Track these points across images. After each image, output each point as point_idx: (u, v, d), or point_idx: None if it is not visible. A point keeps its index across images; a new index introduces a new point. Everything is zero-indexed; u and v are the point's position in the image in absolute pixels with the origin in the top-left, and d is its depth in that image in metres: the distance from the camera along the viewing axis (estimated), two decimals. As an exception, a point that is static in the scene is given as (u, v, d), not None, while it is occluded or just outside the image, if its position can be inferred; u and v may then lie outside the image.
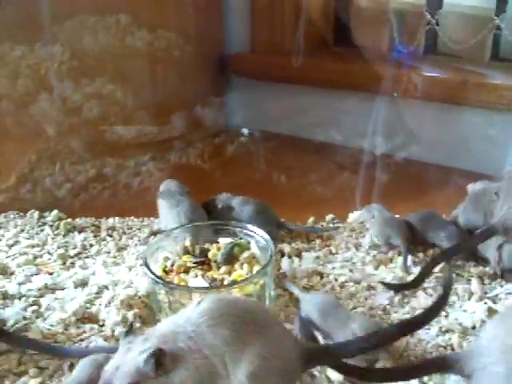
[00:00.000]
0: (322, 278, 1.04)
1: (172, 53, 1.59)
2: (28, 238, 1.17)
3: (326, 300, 0.90)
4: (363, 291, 1.00)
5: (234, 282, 0.91)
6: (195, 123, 1.64)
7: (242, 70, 1.73)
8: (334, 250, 1.12)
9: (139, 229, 1.20)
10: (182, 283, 0.92)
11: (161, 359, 0.65)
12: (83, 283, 1.03)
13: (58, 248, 1.14)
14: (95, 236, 1.18)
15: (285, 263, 1.06)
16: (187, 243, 1.01)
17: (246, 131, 1.66)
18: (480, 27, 1.48)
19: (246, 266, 0.96)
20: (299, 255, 1.10)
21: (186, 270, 0.96)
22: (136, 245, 1.14)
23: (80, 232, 1.19)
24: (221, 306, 0.69)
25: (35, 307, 0.97)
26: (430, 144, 1.49)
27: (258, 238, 0.99)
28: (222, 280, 0.92)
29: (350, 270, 1.06)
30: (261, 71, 1.70)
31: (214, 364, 0.65)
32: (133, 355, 0.66)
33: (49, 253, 1.13)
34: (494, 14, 1.45)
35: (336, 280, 1.03)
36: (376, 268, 1.07)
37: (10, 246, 1.15)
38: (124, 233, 1.19)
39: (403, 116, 1.51)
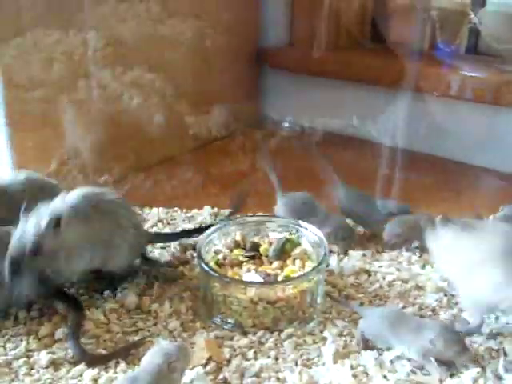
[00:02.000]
0: (369, 276, 1.04)
1: (207, 43, 1.58)
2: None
3: (392, 312, 0.88)
4: (412, 291, 1.00)
5: (289, 278, 0.91)
6: (232, 115, 1.64)
7: (278, 63, 1.72)
8: (380, 249, 1.12)
9: (183, 220, 1.20)
10: (236, 277, 0.92)
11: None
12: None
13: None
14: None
15: (333, 260, 1.06)
16: (238, 237, 1.01)
17: (286, 124, 1.66)
18: (523, 28, 1.48)
19: (298, 261, 0.96)
20: (346, 252, 1.10)
21: (239, 264, 0.96)
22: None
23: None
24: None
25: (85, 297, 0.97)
26: (470, 145, 1.48)
27: (309, 234, 0.99)
28: (276, 275, 0.93)
29: (398, 269, 1.06)
30: (297, 64, 1.69)
31: None
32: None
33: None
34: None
35: (384, 278, 1.03)
36: (422, 267, 1.07)
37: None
38: (168, 223, 1.19)
39: (442, 115, 1.50)
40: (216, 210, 1.24)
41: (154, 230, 1.18)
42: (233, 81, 1.68)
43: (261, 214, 1.16)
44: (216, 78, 1.62)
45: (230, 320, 0.91)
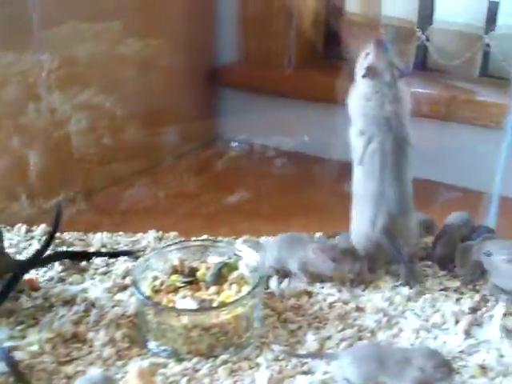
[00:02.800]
0: (310, 297, 1.04)
1: (162, 62, 1.58)
2: (16, 253, 1.16)
3: (374, 348, 0.87)
4: (352, 312, 1.00)
5: (223, 304, 0.91)
6: (184, 135, 1.63)
7: (231, 81, 1.73)
8: (322, 269, 1.12)
9: (127, 245, 1.19)
10: (171, 304, 0.92)
11: None
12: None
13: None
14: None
15: (273, 282, 1.06)
16: (176, 262, 1.00)
17: (235, 144, 1.66)
18: (470, 44, 1.49)
19: (234, 286, 0.95)
20: (287, 274, 1.10)
21: (175, 290, 0.95)
22: (125, 261, 1.13)
23: (68, 247, 1.18)
24: None
25: (23, 326, 0.96)
26: (418, 160, 1.49)
27: (247, 257, 0.99)
28: (211, 301, 0.92)
29: (339, 291, 1.06)
30: (251, 83, 1.70)
31: None
32: None
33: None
34: (484, 31, 1.46)
35: (325, 300, 1.03)
36: (364, 289, 1.07)
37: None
38: (112, 248, 1.18)
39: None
40: (160, 233, 1.22)
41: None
42: (186, 100, 1.68)
43: (205, 237, 1.15)
44: (169, 98, 1.62)
45: (165, 347, 0.90)
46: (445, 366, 0.83)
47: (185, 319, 0.88)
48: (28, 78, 1.31)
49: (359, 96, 1.05)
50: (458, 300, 1.03)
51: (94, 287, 1.05)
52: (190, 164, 1.54)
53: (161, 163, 1.55)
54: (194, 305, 0.91)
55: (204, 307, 0.90)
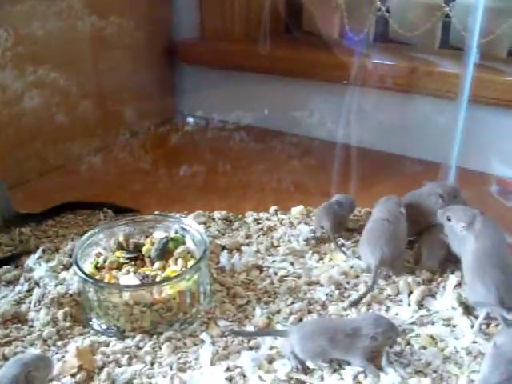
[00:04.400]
0: (261, 271, 1.02)
1: (120, 39, 1.55)
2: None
3: (322, 323, 0.85)
4: (303, 286, 0.98)
5: (165, 279, 0.88)
6: (144, 111, 1.60)
7: (190, 57, 1.69)
8: (275, 243, 1.09)
9: (77, 222, 1.16)
10: (113, 281, 0.89)
11: None
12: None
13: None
14: (31, 230, 1.14)
15: (224, 257, 1.03)
16: (121, 238, 0.97)
17: (191, 119, 1.63)
18: (430, 15, 1.47)
19: (180, 261, 0.93)
20: (239, 249, 1.07)
21: (119, 267, 0.93)
22: (72, 239, 1.10)
23: (17, 226, 1.15)
24: None
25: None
26: (380, 131, 1.47)
27: (193, 232, 0.96)
28: (155, 276, 0.90)
29: (291, 264, 1.03)
30: (210, 58, 1.66)
31: None
32: None
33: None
34: (444, 1, 1.43)
35: (276, 274, 1.01)
36: (318, 261, 1.05)
37: None
38: (61, 227, 1.15)
39: (352, 104, 1.49)
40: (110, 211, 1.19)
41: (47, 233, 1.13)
42: (145, 77, 1.64)
43: (155, 213, 1.13)
44: (128, 75, 1.58)
45: (108, 325, 0.87)
46: (392, 330, 0.81)
47: (126, 295, 0.85)
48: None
49: None
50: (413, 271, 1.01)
51: (39, 266, 1.02)
52: (146, 140, 1.51)
53: (117, 141, 1.52)
54: (136, 281, 0.88)
55: (145, 283, 0.87)
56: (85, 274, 0.87)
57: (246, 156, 1.39)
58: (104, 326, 0.88)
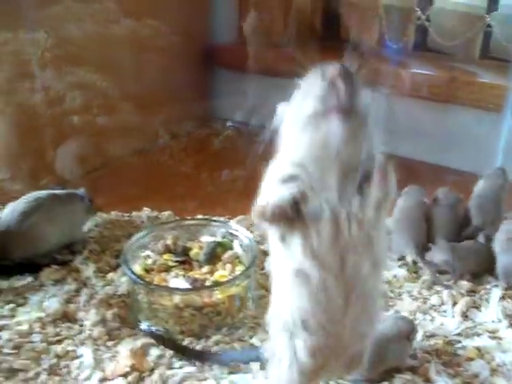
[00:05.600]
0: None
1: (157, 42, 1.55)
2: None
3: None
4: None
5: (216, 284, 0.89)
6: (180, 115, 1.61)
7: (227, 61, 1.70)
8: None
9: (121, 224, 1.17)
10: (163, 283, 0.90)
11: None
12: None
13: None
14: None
15: (268, 263, 1.04)
16: (168, 241, 0.98)
17: (230, 124, 1.64)
18: (471, 25, 1.47)
19: (228, 266, 0.93)
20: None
21: (167, 270, 0.94)
22: (118, 240, 1.11)
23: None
24: None
25: (12, 305, 0.94)
26: (417, 141, 1.47)
27: (241, 237, 0.97)
28: (204, 280, 0.90)
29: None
30: (246, 63, 1.67)
31: None
32: None
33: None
34: (485, 12, 1.43)
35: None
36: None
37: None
38: (105, 228, 1.16)
39: (389, 112, 1.48)
40: (155, 212, 1.20)
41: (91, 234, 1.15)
42: (182, 81, 1.65)
43: (198, 217, 1.14)
44: (165, 78, 1.59)
45: (157, 327, 0.88)
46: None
47: (176, 298, 0.86)
48: (22, 57, 1.28)
49: None
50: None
51: (86, 267, 1.03)
52: (185, 144, 1.51)
53: (156, 143, 1.53)
54: (186, 284, 0.89)
55: (196, 286, 0.88)
56: (135, 275, 0.88)
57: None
58: (152, 328, 0.88)
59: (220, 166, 1.34)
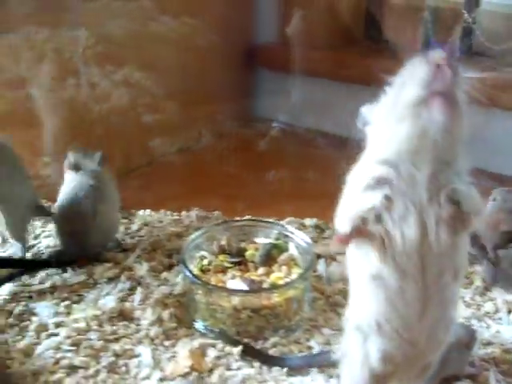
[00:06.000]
0: (358, 282, 1.02)
1: (200, 41, 1.55)
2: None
3: None
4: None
5: (275, 286, 0.89)
6: (222, 114, 1.61)
7: (271, 62, 1.70)
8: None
9: (170, 223, 1.18)
10: (220, 284, 0.90)
11: None
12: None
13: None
14: (126, 229, 1.16)
15: (321, 265, 1.04)
16: (223, 242, 0.98)
17: (275, 124, 1.63)
18: (518, 27, 1.45)
19: (284, 268, 0.93)
20: (334, 258, 1.07)
21: (223, 270, 0.94)
22: (169, 240, 1.11)
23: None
24: None
25: (67, 302, 0.95)
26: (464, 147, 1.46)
27: (297, 239, 0.96)
28: (261, 282, 0.90)
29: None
30: (290, 63, 1.67)
31: None
32: None
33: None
34: (534, 14, 1.42)
35: (373, 285, 1.01)
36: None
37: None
38: (154, 227, 1.17)
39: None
40: (204, 212, 1.20)
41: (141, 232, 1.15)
42: (224, 80, 1.65)
43: (248, 217, 1.14)
44: (206, 77, 1.59)
45: (213, 328, 0.88)
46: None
47: (235, 300, 0.86)
48: (65, 54, 1.29)
49: None
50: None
51: (140, 265, 1.03)
52: (229, 143, 1.51)
53: (199, 142, 1.53)
54: (244, 286, 0.89)
55: (255, 288, 0.88)
56: (194, 276, 0.88)
57: (328, 163, 1.39)
58: (208, 329, 0.88)
59: (265, 166, 1.34)
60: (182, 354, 0.83)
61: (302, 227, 1.16)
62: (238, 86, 1.70)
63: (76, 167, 1.05)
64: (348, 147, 1.51)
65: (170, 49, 1.50)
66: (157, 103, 1.47)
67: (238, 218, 1.13)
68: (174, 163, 1.42)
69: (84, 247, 1.02)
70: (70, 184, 1.04)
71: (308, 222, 1.17)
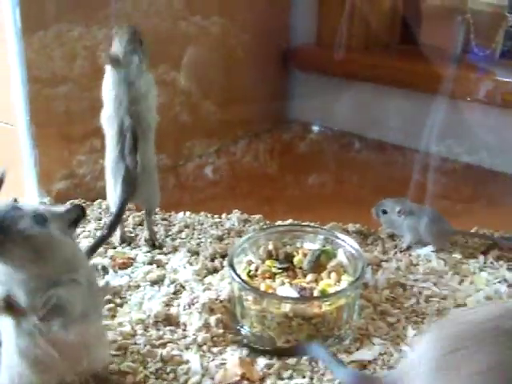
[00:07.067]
0: (404, 290, 1.00)
1: (234, 42, 1.54)
2: (96, 229, 1.14)
3: None
4: (451, 308, 0.96)
5: (326, 294, 0.87)
6: (257, 115, 1.60)
7: (306, 64, 1.68)
8: (414, 261, 1.07)
9: (211, 226, 1.16)
10: (270, 290, 0.88)
11: None
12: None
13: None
14: (166, 231, 1.14)
15: (367, 273, 1.02)
16: (270, 247, 0.97)
17: (315, 127, 1.62)
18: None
19: (333, 274, 0.92)
20: (379, 265, 1.06)
21: (271, 276, 0.92)
22: (211, 243, 1.10)
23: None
24: None
25: (111, 305, 0.94)
26: (500, 152, 1.44)
27: (346, 246, 0.95)
28: (312, 289, 0.89)
29: (434, 284, 1.01)
30: (325, 66, 1.65)
31: None
32: None
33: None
34: None
35: (420, 293, 0.99)
36: (460, 283, 1.02)
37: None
38: (194, 229, 1.15)
39: (473, 121, 1.46)
40: (245, 215, 1.19)
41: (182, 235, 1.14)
42: (259, 81, 1.64)
43: (290, 221, 1.12)
44: (242, 78, 1.58)
45: (262, 335, 0.86)
46: None
47: (286, 307, 0.84)
48: (96, 52, 1.27)
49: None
50: None
51: (184, 269, 1.02)
52: (265, 145, 1.50)
53: (235, 143, 1.51)
54: (294, 293, 0.87)
55: (306, 295, 0.87)
56: (244, 281, 0.87)
57: (367, 167, 1.37)
58: (256, 335, 0.87)
59: (304, 169, 1.32)
60: (232, 362, 0.82)
61: (346, 233, 1.14)
62: (274, 88, 1.68)
63: None
64: (384, 152, 1.49)
65: (204, 49, 1.48)
66: (192, 103, 1.45)
67: (281, 223, 1.11)
68: (210, 164, 1.40)
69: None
70: None
71: (351, 227, 1.16)
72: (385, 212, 1.11)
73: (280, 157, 1.42)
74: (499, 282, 1.03)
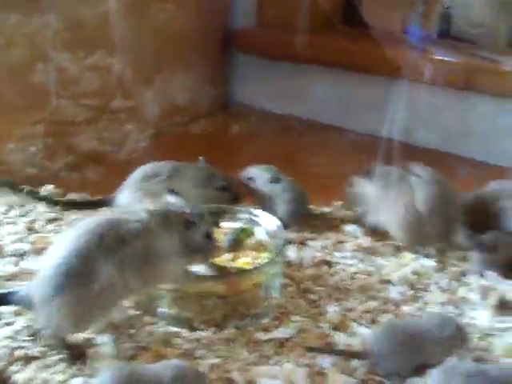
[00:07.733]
0: (330, 267, 0.99)
1: (174, 26, 1.52)
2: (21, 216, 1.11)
3: None
4: (375, 284, 0.95)
5: (241, 271, 0.85)
6: (197, 99, 1.58)
7: (246, 46, 1.67)
8: (341, 238, 1.07)
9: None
10: (185, 270, 0.86)
11: None
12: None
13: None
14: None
15: (291, 251, 1.01)
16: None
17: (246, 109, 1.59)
18: (497, 12, 1.43)
19: (252, 252, 0.90)
20: (304, 243, 1.05)
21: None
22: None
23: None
24: None
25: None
26: (438, 130, 1.44)
27: (265, 223, 0.93)
28: (228, 268, 0.87)
29: (361, 260, 1.01)
30: (267, 48, 1.64)
31: None
32: None
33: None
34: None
35: (344, 270, 0.98)
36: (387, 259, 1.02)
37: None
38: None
39: (411, 100, 1.45)
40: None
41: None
42: (200, 64, 1.62)
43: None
44: (182, 62, 1.56)
45: (177, 315, 0.85)
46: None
47: (200, 286, 0.83)
48: (35, 39, 1.25)
49: None
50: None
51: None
52: (203, 129, 1.48)
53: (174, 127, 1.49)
54: (209, 272, 0.86)
55: (221, 275, 0.85)
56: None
57: (305, 148, 1.36)
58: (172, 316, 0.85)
59: (239, 151, 1.31)
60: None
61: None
62: (214, 71, 1.67)
63: None
64: (321, 132, 1.48)
65: (144, 34, 1.46)
66: (127, 88, 1.43)
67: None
68: (143, 149, 1.38)
69: None
70: None
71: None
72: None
73: (215, 140, 1.40)
74: (426, 256, 1.02)
